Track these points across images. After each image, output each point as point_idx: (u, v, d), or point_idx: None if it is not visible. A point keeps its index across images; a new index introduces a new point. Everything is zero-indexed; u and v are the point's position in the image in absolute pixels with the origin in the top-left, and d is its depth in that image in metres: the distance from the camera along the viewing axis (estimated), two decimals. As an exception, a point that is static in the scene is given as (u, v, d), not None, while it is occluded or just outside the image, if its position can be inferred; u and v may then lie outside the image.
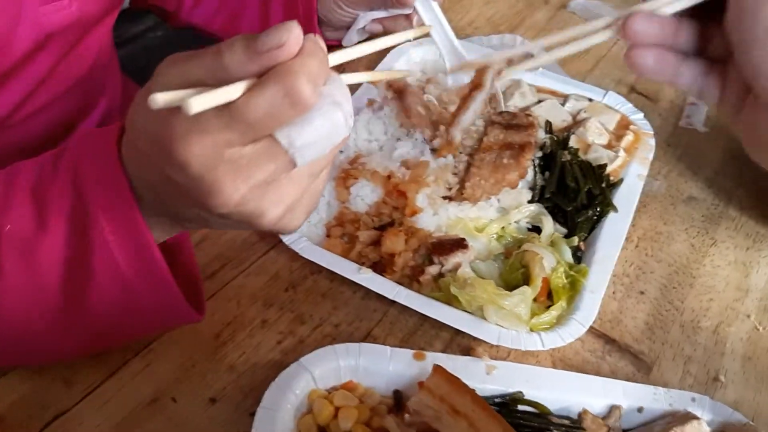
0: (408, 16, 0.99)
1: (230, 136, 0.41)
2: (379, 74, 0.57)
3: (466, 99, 0.83)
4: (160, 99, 0.39)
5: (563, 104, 1.01)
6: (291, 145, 0.43)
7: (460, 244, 0.78)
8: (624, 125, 0.99)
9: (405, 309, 0.76)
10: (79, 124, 0.90)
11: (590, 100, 1.02)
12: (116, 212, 0.51)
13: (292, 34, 0.40)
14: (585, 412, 0.67)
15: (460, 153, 0.86)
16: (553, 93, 1.03)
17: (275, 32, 0.40)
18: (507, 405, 0.67)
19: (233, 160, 0.42)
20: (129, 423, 0.65)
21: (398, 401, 0.66)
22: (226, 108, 0.40)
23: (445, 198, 0.83)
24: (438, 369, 0.64)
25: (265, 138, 0.43)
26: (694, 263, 0.89)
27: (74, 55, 0.79)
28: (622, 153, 0.94)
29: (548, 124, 0.96)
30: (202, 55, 0.42)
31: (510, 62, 0.66)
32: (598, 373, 0.74)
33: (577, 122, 0.99)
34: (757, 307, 0.85)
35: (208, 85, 0.41)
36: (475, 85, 0.83)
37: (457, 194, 0.84)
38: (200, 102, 0.39)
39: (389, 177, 0.81)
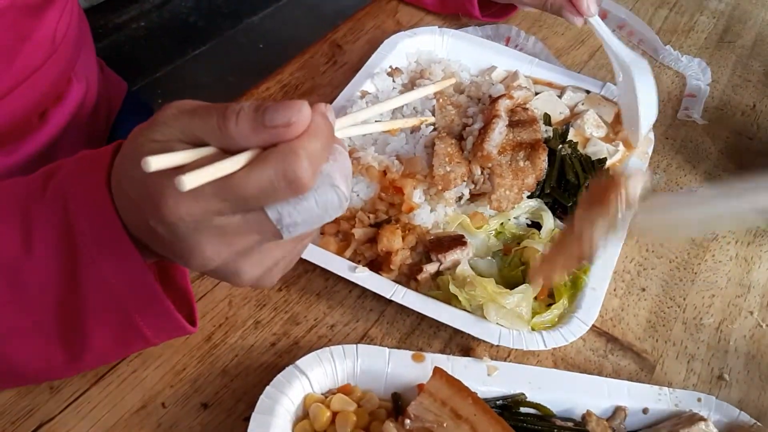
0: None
1: (222, 205, 0.41)
2: (389, 124, 0.53)
3: (488, 125, 0.83)
4: (153, 164, 0.38)
5: (560, 96, 0.99)
6: (280, 221, 0.42)
7: (458, 241, 0.76)
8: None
9: (402, 308, 0.74)
10: (51, 111, 0.88)
11: (587, 92, 0.99)
12: (110, 247, 0.48)
13: (301, 114, 0.40)
14: (589, 413, 0.65)
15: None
16: (550, 84, 1.00)
17: (284, 110, 0.39)
18: (509, 407, 0.65)
19: (220, 226, 0.42)
20: (118, 430, 0.62)
21: (397, 405, 0.64)
22: (222, 178, 0.40)
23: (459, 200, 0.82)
24: (438, 371, 0.62)
25: (255, 210, 0.42)
26: (695, 259, 0.87)
27: (20, 38, 0.76)
28: (621, 147, 0.92)
29: (547, 117, 0.94)
30: (208, 114, 0.41)
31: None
32: (600, 373, 0.73)
33: (574, 114, 0.97)
34: (760, 303, 0.84)
35: (209, 145, 0.41)
36: (494, 116, 0.84)
37: (476, 198, 0.82)
38: (193, 179, 0.38)
39: (385, 172, 0.79)
